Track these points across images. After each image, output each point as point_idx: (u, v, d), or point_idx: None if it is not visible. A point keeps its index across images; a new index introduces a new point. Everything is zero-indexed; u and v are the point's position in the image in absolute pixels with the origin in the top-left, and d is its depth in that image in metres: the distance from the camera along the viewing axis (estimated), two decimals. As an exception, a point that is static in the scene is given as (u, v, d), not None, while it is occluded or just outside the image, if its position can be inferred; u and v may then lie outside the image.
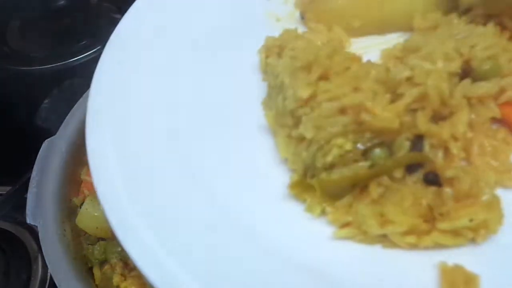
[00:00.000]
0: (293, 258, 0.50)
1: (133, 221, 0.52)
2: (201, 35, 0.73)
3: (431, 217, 0.48)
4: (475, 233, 0.48)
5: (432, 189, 0.50)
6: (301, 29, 0.73)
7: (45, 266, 0.82)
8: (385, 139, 0.52)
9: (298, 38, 0.66)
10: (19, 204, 0.85)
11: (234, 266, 0.49)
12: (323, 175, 0.52)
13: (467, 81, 0.55)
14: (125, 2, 0.79)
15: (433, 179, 0.51)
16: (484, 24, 0.64)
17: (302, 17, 0.75)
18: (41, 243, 0.75)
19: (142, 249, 0.50)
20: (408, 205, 0.48)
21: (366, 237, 0.50)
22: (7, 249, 0.86)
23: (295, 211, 0.54)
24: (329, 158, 0.51)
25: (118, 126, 0.60)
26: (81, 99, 0.90)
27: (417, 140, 0.54)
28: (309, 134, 0.53)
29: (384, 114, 0.52)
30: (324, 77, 0.54)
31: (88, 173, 0.71)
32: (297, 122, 0.55)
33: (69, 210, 0.82)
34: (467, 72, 0.56)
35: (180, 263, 0.49)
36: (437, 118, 0.55)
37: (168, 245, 0.50)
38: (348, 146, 0.51)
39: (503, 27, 0.63)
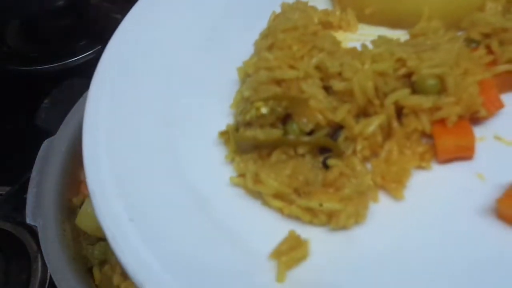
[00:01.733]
0: (198, 190, 0.60)
1: (116, 210, 0.56)
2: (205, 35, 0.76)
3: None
4: (329, 219, 0.53)
5: (316, 170, 0.55)
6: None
7: (45, 266, 0.81)
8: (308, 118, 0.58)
9: (301, 11, 0.71)
10: (19, 204, 0.85)
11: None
12: (241, 130, 0.60)
13: (406, 90, 0.57)
14: (125, 2, 0.80)
15: (326, 164, 0.56)
16: (478, 43, 0.63)
17: (331, -9, 0.79)
18: (40, 243, 0.75)
19: (126, 244, 0.53)
20: (286, 174, 0.55)
21: (251, 191, 0.58)
22: (7, 249, 0.85)
23: (221, 155, 0.63)
24: (247, 117, 0.59)
25: (113, 134, 0.63)
26: (81, 99, 0.91)
27: (337, 129, 0.59)
28: (246, 94, 0.61)
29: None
30: (271, 48, 0.61)
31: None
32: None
33: (69, 210, 0.82)
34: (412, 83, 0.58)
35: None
36: (365, 114, 0.59)
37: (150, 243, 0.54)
38: (264, 110, 0.58)
39: (490, 51, 0.62)
